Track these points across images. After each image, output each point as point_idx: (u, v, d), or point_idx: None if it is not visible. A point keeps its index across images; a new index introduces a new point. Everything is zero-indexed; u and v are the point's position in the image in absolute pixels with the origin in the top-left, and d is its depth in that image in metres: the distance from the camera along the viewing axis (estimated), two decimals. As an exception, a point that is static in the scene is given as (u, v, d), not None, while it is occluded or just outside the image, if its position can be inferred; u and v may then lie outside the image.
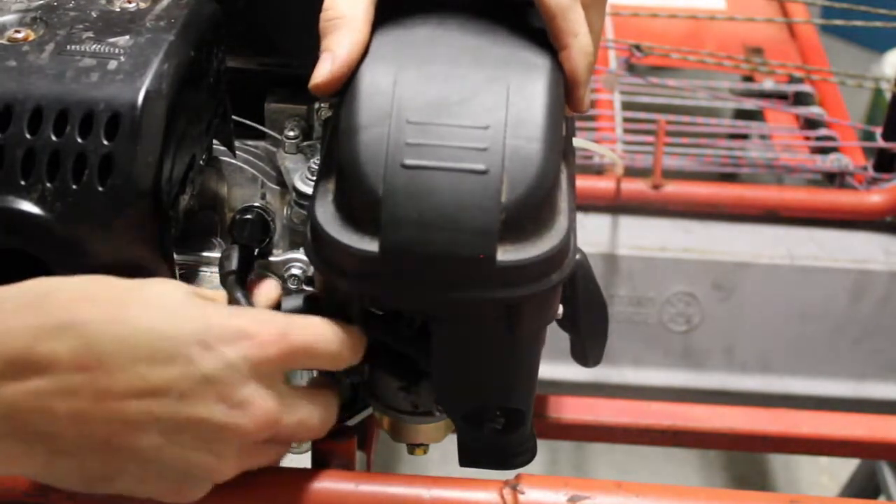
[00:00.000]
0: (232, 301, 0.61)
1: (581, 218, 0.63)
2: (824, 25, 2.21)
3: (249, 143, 0.73)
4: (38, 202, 0.57)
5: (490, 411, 0.62)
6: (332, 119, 0.63)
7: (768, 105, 1.47)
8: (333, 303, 0.58)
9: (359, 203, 0.54)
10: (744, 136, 1.49)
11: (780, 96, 1.52)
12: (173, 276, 0.61)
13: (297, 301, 0.64)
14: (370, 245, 0.54)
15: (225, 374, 0.53)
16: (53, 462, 0.52)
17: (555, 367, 0.96)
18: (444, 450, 0.73)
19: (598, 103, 1.41)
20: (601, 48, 1.22)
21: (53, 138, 0.57)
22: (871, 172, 1.33)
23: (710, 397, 1.30)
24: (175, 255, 0.62)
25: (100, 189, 0.57)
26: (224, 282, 0.63)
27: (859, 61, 2.57)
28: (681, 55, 1.40)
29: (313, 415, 0.59)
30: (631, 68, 1.40)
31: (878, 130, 1.32)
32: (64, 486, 0.54)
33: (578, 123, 1.31)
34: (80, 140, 0.57)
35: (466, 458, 0.65)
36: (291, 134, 0.70)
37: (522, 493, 0.61)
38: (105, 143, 0.57)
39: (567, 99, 0.60)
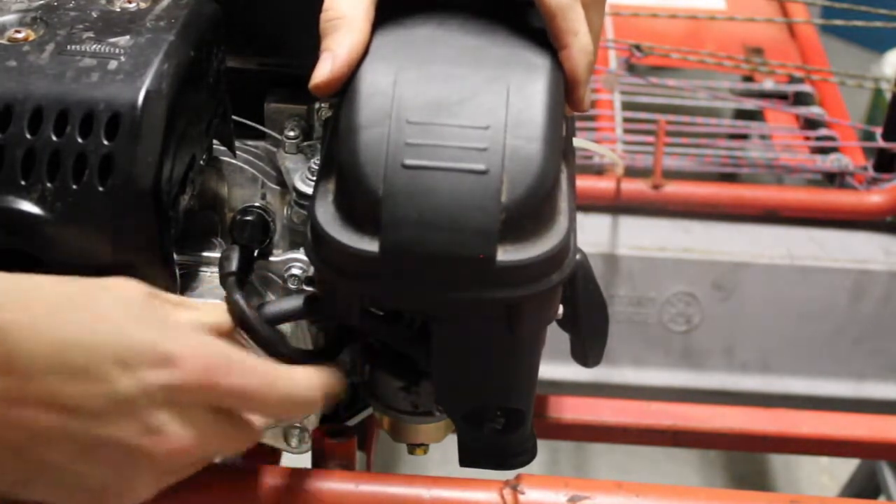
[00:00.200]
0: (230, 303, 0.60)
1: (581, 218, 0.63)
2: (824, 25, 2.21)
3: (249, 143, 0.73)
4: (38, 202, 0.57)
5: (490, 411, 0.62)
6: (333, 119, 0.63)
7: (768, 105, 1.47)
8: (333, 303, 0.58)
9: (359, 203, 0.54)
10: (744, 136, 1.49)
11: (780, 96, 1.52)
12: (174, 277, 0.61)
13: (296, 301, 0.64)
14: (370, 245, 0.54)
15: (140, 399, 0.51)
16: None
17: (555, 367, 0.96)
18: (444, 450, 0.73)
19: (598, 103, 1.41)
20: (601, 48, 1.22)
21: (54, 138, 0.57)
22: (871, 172, 1.33)
23: (710, 397, 1.30)
24: (175, 255, 0.62)
25: (100, 189, 0.57)
26: (224, 283, 0.63)
27: (859, 61, 2.57)
28: (681, 55, 1.40)
29: (235, 444, 0.57)
30: (631, 68, 1.40)
31: (878, 130, 1.32)
32: None
33: (578, 123, 1.31)
34: (80, 140, 0.57)
35: (466, 458, 0.65)
36: (291, 134, 0.70)
37: (522, 493, 0.61)
38: (105, 143, 0.57)
39: (567, 98, 0.60)
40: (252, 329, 0.60)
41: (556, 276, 0.55)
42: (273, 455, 0.74)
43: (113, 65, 0.59)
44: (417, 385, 0.66)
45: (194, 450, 0.53)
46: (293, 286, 0.69)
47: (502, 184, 0.53)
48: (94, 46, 0.60)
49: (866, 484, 1.50)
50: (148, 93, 0.58)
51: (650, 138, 1.32)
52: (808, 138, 1.41)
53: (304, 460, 0.71)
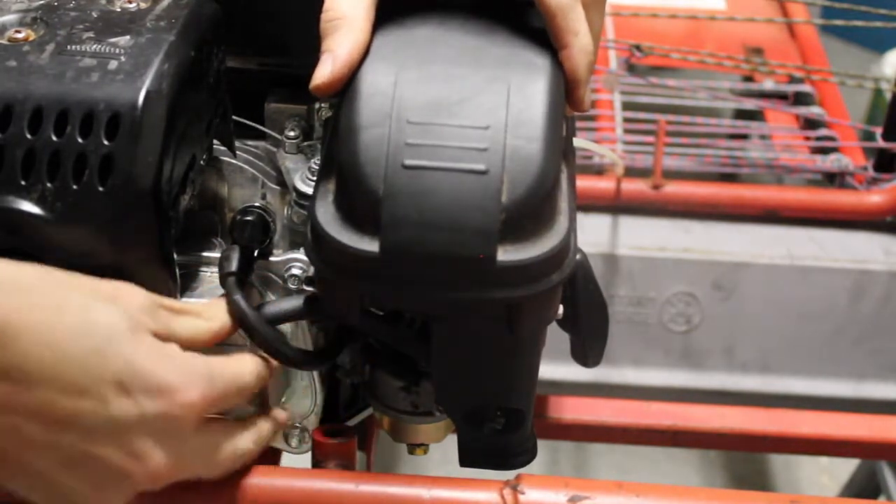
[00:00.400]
0: (231, 303, 0.61)
1: (581, 218, 0.63)
2: (824, 25, 2.21)
3: (249, 143, 0.73)
4: (38, 202, 0.57)
5: (490, 411, 0.62)
6: (333, 119, 0.63)
7: (768, 105, 1.47)
8: (333, 303, 0.58)
9: (359, 203, 0.54)
10: (744, 136, 1.49)
11: (780, 96, 1.52)
12: (174, 277, 0.61)
13: (296, 301, 0.64)
14: (370, 245, 0.54)
15: (133, 423, 0.52)
16: None
17: (555, 367, 0.96)
18: (444, 450, 0.73)
19: (598, 103, 1.41)
20: (601, 48, 1.22)
21: (54, 138, 0.57)
22: (871, 172, 1.33)
23: (710, 397, 1.30)
24: (175, 255, 0.62)
25: (100, 189, 0.57)
26: (224, 283, 0.63)
27: (859, 61, 2.57)
28: (681, 55, 1.40)
29: (213, 468, 0.59)
30: (631, 68, 1.40)
31: (878, 130, 1.31)
32: None
33: (578, 123, 1.31)
34: (80, 140, 0.57)
35: (466, 458, 0.65)
36: (292, 134, 0.70)
37: (522, 493, 0.61)
38: (105, 143, 0.57)
39: (567, 98, 0.60)
40: (252, 329, 0.60)
41: (556, 276, 0.55)
42: (273, 455, 0.74)
43: (113, 65, 0.59)
44: (417, 385, 0.66)
45: (173, 474, 0.56)
46: (293, 286, 0.69)
47: (502, 184, 0.53)
48: (95, 46, 0.60)
49: (866, 484, 1.50)
50: (148, 93, 0.58)
51: (650, 138, 1.32)
52: (808, 138, 1.41)
53: (304, 460, 0.71)
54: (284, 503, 0.60)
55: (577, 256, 0.58)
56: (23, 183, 0.57)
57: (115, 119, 0.57)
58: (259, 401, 0.66)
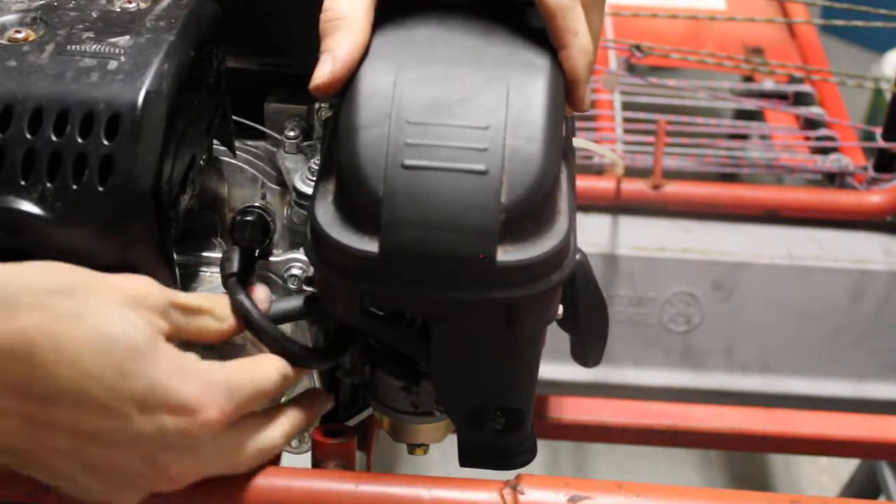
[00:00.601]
0: (235, 303, 0.61)
1: (581, 218, 0.63)
2: (824, 25, 2.21)
3: (249, 143, 0.73)
4: (38, 202, 0.57)
5: (490, 411, 0.62)
6: (332, 119, 0.63)
7: (768, 105, 1.47)
8: (333, 303, 0.58)
9: (359, 203, 0.54)
10: (744, 137, 1.49)
11: (780, 96, 1.52)
12: (174, 277, 0.61)
13: (297, 301, 0.64)
14: (370, 245, 0.54)
15: (155, 439, 0.54)
16: None
17: (555, 367, 0.96)
18: (444, 450, 0.73)
19: (598, 103, 1.41)
20: (601, 48, 1.22)
21: (54, 138, 0.57)
22: (871, 172, 1.33)
23: (710, 397, 1.30)
24: (175, 256, 0.62)
25: (100, 189, 0.57)
26: (226, 283, 0.63)
27: (859, 61, 2.57)
28: (681, 55, 1.40)
29: (236, 467, 0.60)
30: (631, 68, 1.40)
31: (878, 130, 1.32)
32: None
33: (578, 123, 1.31)
34: (80, 140, 0.57)
35: (466, 458, 0.65)
36: (291, 134, 0.70)
37: (522, 493, 0.61)
38: (105, 143, 0.57)
39: (567, 98, 0.60)
40: (258, 329, 0.60)
41: (555, 276, 0.55)
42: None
43: (113, 65, 0.59)
44: (417, 385, 0.66)
45: (194, 477, 0.57)
46: (293, 286, 0.69)
47: (502, 184, 0.53)
48: (94, 46, 0.60)
49: (866, 484, 1.50)
50: (148, 93, 0.58)
51: (650, 138, 1.32)
52: (808, 138, 1.41)
53: (304, 460, 0.71)
54: (284, 503, 0.60)
55: (577, 256, 0.58)
56: (23, 183, 0.57)
57: (115, 119, 0.57)
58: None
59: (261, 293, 0.63)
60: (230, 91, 0.69)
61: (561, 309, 0.61)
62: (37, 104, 0.57)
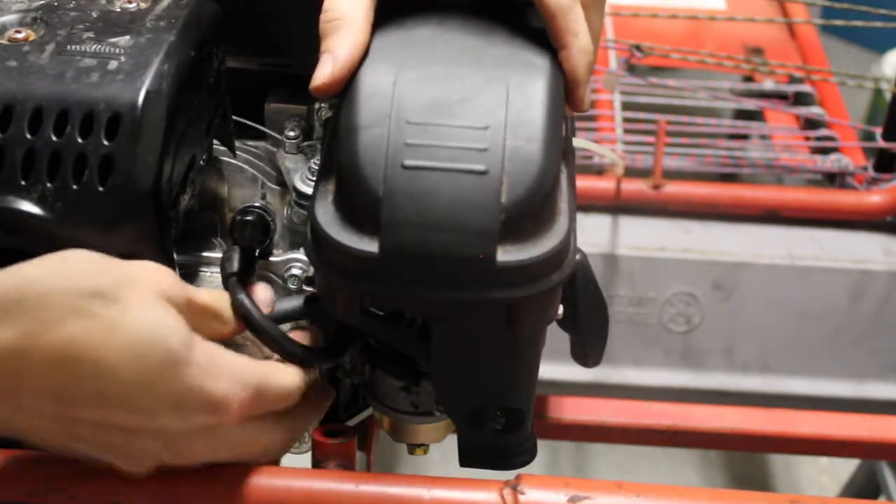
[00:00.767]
0: (235, 303, 0.61)
1: (581, 218, 0.63)
2: (824, 25, 2.21)
3: (249, 143, 0.73)
4: (38, 202, 0.57)
5: (490, 411, 0.62)
6: (332, 119, 0.63)
7: (768, 105, 1.47)
8: (333, 303, 0.58)
9: (359, 204, 0.54)
10: (744, 137, 1.49)
11: (780, 96, 1.52)
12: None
13: (297, 301, 0.64)
14: (370, 245, 0.54)
15: (183, 434, 0.55)
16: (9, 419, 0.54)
17: (555, 367, 0.96)
18: (444, 450, 0.73)
19: (598, 103, 1.41)
20: (601, 48, 1.22)
21: (54, 138, 0.57)
22: (871, 172, 1.33)
23: (710, 397, 1.30)
24: (175, 256, 0.62)
25: (100, 189, 0.57)
26: (226, 284, 0.63)
27: (859, 61, 2.57)
28: (681, 55, 1.40)
29: (245, 457, 0.61)
30: (631, 68, 1.40)
31: (878, 130, 1.32)
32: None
33: (578, 123, 1.31)
34: (80, 140, 0.57)
35: (466, 458, 0.65)
36: (291, 134, 0.70)
37: (522, 493, 0.61)
38: (105, 143, 0.57)
39: (567, 99, 0.60)
40: (259, 329, 0.60)
41: (555, 277, 0.55)
42: (273, 455, 0.74)
43: (113, 65, 0.59)
44: (417, 385, 0.66)
45: (201, 460, 0.58)
46: (293, 286, 0.69)
47: (502, 184, 0.53)
48: (95, 46, 0.60)
49: (866, 484, 1.50)
50: (148, 93, 0.58)
51: (650, 138, 1.32)
52: (808, 138, 1.41)
53: (304, 460, 0.71)
54: (284, 503, 0.60)
55: (577, 256, 0.58)
56: (23, 183, 0.57)
57: (115, 119, 0.57)
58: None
59: (264, 293, 0.63)
60: (230, 91, 0.69)
61: (561, 309, 0.61)
62: (37, 104, 0.57)
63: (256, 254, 0.67)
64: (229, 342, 0.63)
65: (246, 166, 0.72)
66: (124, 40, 0.61)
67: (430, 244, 0.53)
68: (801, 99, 1.48)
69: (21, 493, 0.60)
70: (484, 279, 0.54)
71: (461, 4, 0.61)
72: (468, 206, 0.53)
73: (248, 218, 0.67)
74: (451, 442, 0.66)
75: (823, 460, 1.86)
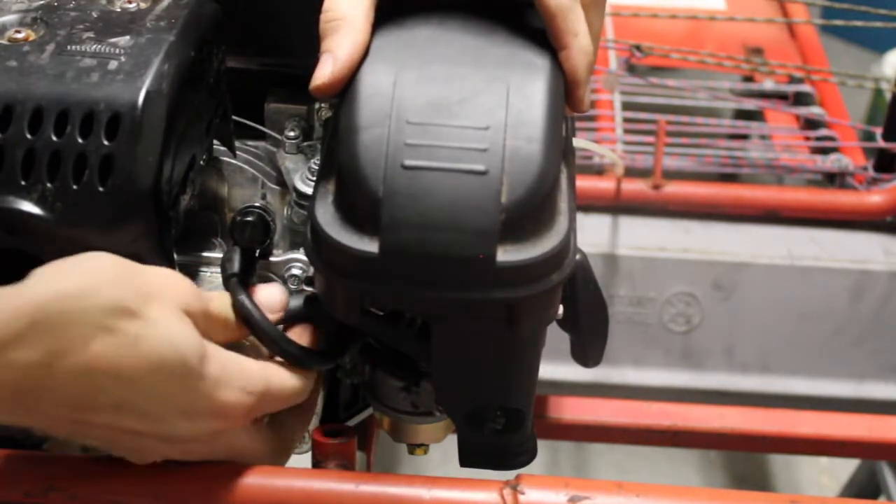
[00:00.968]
0: (236, 304, 0.61)
1: (581, 218, 0.63)
2: (824, 25, 2.21)
3: (249, 143, 0.73)
4: (38, 202, 0.57)
5: (490, 411, 0.62)
6: (332, 119, 0.63)
7: (768, 105, 1.47)
8: (333, 303, 0.58)
9: (359, 204, 0.54)
10: (744, 137, 1.49)
11: (781, 96, 1.52)
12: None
13: (297, 301, 0.64)
14: (370, 246, 0.54)
15: (189, 437, 0.57)
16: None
17: (555, 367, 0.96)
18: (444, 450, 0.73)
19: (598, 103, 1.41)
20: (601, 48, 1.22)
21: (54, 138, 0.57)
22: (871, 172, 1.33)
23: (710, 397, 1.30)
24: (175, 256, 0.62)
25: (100, 189, 0.57)
26: (227, 284, 0.62)
27: (859, 61, 2.57)
28: (681, 55, 1.40)
29: (241, 460, 0.62)
30: (631, 68, 1.40)
31: (878, 131, 1.32)
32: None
33: (578, 123, 1.31)
34: (80, 140, 0.57)
35: (466, 459, 0.65)
36: (292, 134, 0.70)
37: (522, 493, 0.61)
38: (105, 143, 0.57)
39: (567, 99, 0.60)
40: (260, 330, 0.60)
41: (555, 277, 0.55)
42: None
43: (113, 65, 0.59)
44: (417, 385, 0.66)
45: (201, 458, 0.60)
46: (293, 286, 0.69)
47: (502, 184, 0.53)
48: (95, 46, 0.60)
49: (866, 484, 1.50)
50: (148, 93, 0.58)
51: (650, 138, 1.32)
52: (808, 138, 1.41)
53: (304, 460, 0.71)
54: (284, 503, 0.60)
55: (577, 256, 0.58)
56: (23, 183, 0.57)
57: (115, 119, 0.57)
58: None
59: (279, 295, 0.63)
60: (230, 91, 0.69)
61: (561, 309, 0.61)
62: (37, 104, 0.57)
63: (257, 254, 0.67)
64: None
65: (246, 166, 0.72)
66: (124, 40, 0.61)
67: (430, 244, 0.53)
68: (801, 99, 1.48)
69: (21, 493, 0.60)
70: (484, 279, 0.54)
71: (461, 4, 0.61)
72: (468, 206, 0.53)
73: (249, 219, 0.67)
74: (451, 442, 0.66)
75: (823, 460, 1.86)
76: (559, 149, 0.57)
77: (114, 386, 0.52)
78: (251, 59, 0.72)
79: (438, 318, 0.57)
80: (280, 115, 0.71)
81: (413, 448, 0.71)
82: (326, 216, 0.55)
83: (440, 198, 0.53)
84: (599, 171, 1.34)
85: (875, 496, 1.46)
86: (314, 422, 0.71)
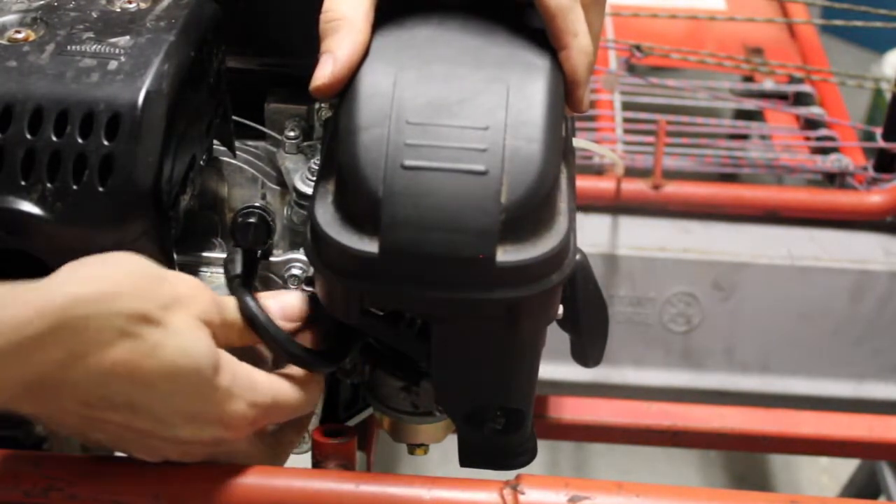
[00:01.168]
0: (241, 305, 0.60)
1: (581, 218, 0.63)
2: (824, 25, 2.21)
3: (249, 143, 0.73)
4: (38, 202, 0.57)
5: (490, 411, 0.62)
6: (332, 120, 0.63)
7: (768, 105, 1.47)
8: (333, 304, 0.58)
9: (359, 204, 0.54)
10: (744, 137, 1.49)
11: (780, 96, 1.52)
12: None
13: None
14: (370, 246, 0.54)
15: (194, 441, 0.58)
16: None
17: (555, 367, 0.96)
18: (444, 450, 0.73)
19: (598, 103, 1.41)
20: (601, 48, 1.22)
21: (54, 138, 0.57)
22: (871, 172, 1.33)
23: (710, 397, 1.30)
24: (175, 256, 0.62)
25: (100, 189, 0.57)
26: (231, 286, 0.62)
27: (859, 61, 2.57)
28: (681, 55, 1.40)
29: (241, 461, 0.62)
30: (631, 68, 1.40)
31: (878, 131, 1.32)
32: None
33: (578, 123, 1.31)
34: (80, 140, 0.57)
35: (466, 459, 0.65)
36: (292, 134, 0.70)
37: (522, 493, 0.61)
38: (105, 143, 0.57)
39: (567, 99, 0.60)
40: (265, 331, 0.60)
41: (555, 277, 0.55)
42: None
43: (113, 65, 0.59)
44: (417, 385, 0.66)
45: (202, 459, 0.60)
46: (293, 286, 0.69)
47: (502, 185, 0.53)
48: (95, 47, 0.60)
49: (866, 484, 1.50)
50: (148, 93, 0.58)
51: (650, 138, 1.32)
52: (808, 138, 1.41)
53: (304, 460, 0.71)
54: (284, 503, 0.60)
55: (577, 256, 0.58)
56: (23, 183, 0.57)
57: (115, 119, 0.57)
58: None
59: (295, 302, 0.63)
60: (230, 91, 0.69)
61: (561, 309, 0.61)
62: (37, 104, 0.57)
63: (259, 255, 0.67)
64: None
65: (246, 166, 0.72)
66: (124, 40, 0.61)
67: (430, 244, 0.53)
68: (801, 99, 1.48)
69: (21, 492, 0.60)
70: (484, 279, 0.54)
71: (461, 4, 0.61)
72: (468, 206, 0.53)
73: (251, 220, 0.67)
74: (451, 442, 0.66)
75: (823, 460, 1.86)
76: (559, 149, 0.57)
77: (129, 389, 0.53)
78: (251, 59, 0.72)
79: (438, 318, 0.57)
80: (280, 115, 0.71)
81: (413, 448, 0.71)
82: (326, 216, 0.55)
83: (440, 198, 0.53)
84: (599, 171, 1.34)
85: (875, 496, 1.46)
86: (314, 422, 0.71)
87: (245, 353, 0.61)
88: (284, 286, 0.69)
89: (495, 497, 0.61)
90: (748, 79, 1.58)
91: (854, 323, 1.29)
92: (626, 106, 1.40)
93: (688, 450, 1.80)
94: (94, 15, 0.63)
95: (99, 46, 0.60)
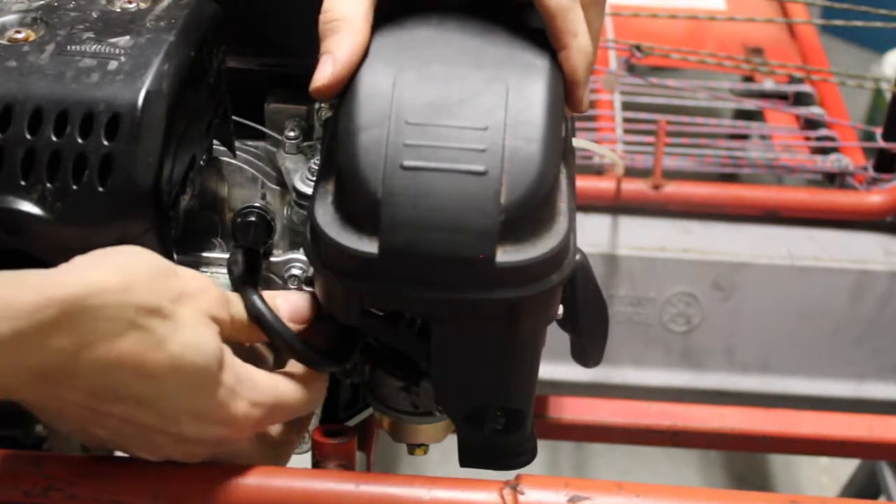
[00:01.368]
0: (247, 304, 0.60)
1: (581, 218, 0.63)
2: (824, 25, 2.21)
3: (249, 143, 0.73)
4: (38, 202, 0.57)
5: (490, 411, 0.62)
6: (332, 120, 0.63)
7: (768, 105, 1.47)
8: (333, 304, 0.58)
9: (358, 204, 0.54)
10: (744, 137, 1.49)
11: (781, 96, 1.52)
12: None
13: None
14: (370, 246, 0.54)
15: (196, 440, 0.58)
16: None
17: (555, 367, 0.96)
18: (444, 450, 0.73)
19: (598, 103, 1.41)
20: (601, 48, 1.22)
21: (53, 139, 0.57)
22: (871, 173, 1.33)
23: (710, 397, 1.30)
24: (175, 256, 0.62)
25: (100, 189, 0.57)
26: (235, 285, 0.62)
27: (859, 61, 2.57)
28: (681, 55, 1.40)
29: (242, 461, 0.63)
30: (631, 68, 1.40)
31: (878, 131, 1.32)
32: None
33: (578, 123, 1.32)
34: (80, 140, 0.57)
35: (466, 459, 0.65)
36: (291, 134, 0.70)
37: (522, 493, 0.61)
38: (105, 143, 0.57)
39: (567, 99, 0.60)
40: (271, 330, 0.60)
41: (555, 277, 0.55)
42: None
43: (113, 65, 0.59)
44: (417, 385, 0.66)
45: (204, 458, 0.60)
46: (293, 286, 0.69)
47: (502, 185, 0.53)
48: (95, 47, 0.60)
49: (866, 484, 1.50)
50: (148, 93, 0.58)
51: (650, 138, 1.32)
52: (808, 138, 1.41)
53: (304, 460, 0.71)
54: (284, 503, 0.60)
55: (577, 257, 0.58)
56: (23, 183, 0.57)
57: (115, 119, 0.57)
58: None
59: (302, 302, 0.63)
60: (230, 91, 0.69)
61: (561, 309, 0.61)
62: (37, 104, 0.57)
63: (260, 254, 0.67)
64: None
65: (246, 166, 0.72)
66: (124, 40, 0.61)
67: (430, 245, 0.53)
68: (801, 99, 1.48)
69: (21, 492, 0.60)
70: (484, 280, 0.54)
71: (461, 5, 0.61)
72: (468, 206, 0.53)
73: (251, 219, 0.67)
74: (451, 442, 0.66)
75: (823, 460, 1.86)
76: (559, 149, 0.57)
77: (135, 381, 0.53)
78: (251, 59, 0.72)
79: (438, 319, 0.57)
80: (280, 115, 0.71)
81: (413, 448, 0.71)
82: (326, 216, 0.55)
83: (439, 198, 0.53)
84: (599, 171, 1.34)
85: (875, 496, 1.46)
86: (314, 422, 0.71)
87: (245, 353, 0.61)
88: (284, 286, 0.69)
89: (495, 497, 0.61)
90: (748, 79, 1.58)
91: (854, 323, 1.29)
92: (626, 106, 1.40)
93: (688, 450, 1.80)
94: (94, 15, 0.63)
95: (99, 46, 0.60)
